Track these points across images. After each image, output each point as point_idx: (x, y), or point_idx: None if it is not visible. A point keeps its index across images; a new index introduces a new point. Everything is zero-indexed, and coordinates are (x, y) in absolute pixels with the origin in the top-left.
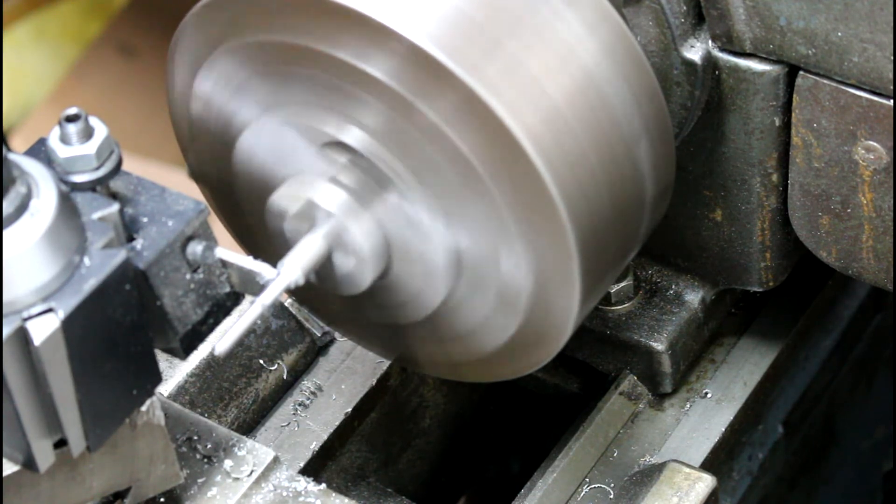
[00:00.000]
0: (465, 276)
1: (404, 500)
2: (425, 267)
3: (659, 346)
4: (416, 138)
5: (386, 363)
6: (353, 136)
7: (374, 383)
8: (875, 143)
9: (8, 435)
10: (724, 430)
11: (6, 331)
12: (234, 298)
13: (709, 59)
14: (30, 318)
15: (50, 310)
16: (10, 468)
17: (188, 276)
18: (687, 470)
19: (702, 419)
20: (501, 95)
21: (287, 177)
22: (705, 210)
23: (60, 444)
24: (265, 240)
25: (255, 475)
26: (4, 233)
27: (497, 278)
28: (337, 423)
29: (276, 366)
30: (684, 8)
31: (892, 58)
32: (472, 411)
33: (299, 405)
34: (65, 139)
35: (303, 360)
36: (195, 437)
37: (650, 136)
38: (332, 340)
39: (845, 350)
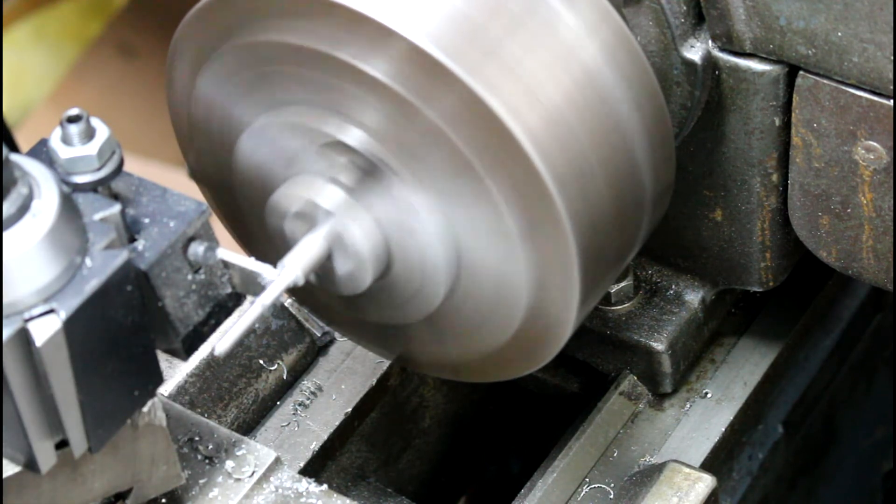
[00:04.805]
0: (464, 275)
1: (404, 500)
2: (425, 267)
3: (659, 346)
4: (415, 138)
5: (386, 363)
6: (353, 136)
7: (374, 383)
8: (875, 143)
9: (9, 436)
10: (724, 430)
11: (8, 332)
12: (236, 299)
13: (709, 59)
14: (31, 318)
15: (51, 311)
16: (11, 469)
17: (190, 277)
18: (687, 470)
19: (702, 419)
20: (501, 95)
21: (287, 177)
22: (705, 210)
23: (62, 444)
24: (265, 240)
25: (256, 476)
26: (6, 234)
27: (497, 278)
28: (337, 423)
29: (276, 366)
30: (684, 8)
31: (892, 58)
32: (472, 411)
33: (299, 405)
34: (66, 140)
35: (303, 360)
36: (196, 438)
37: (650, 136)
38: (332, 340)
39: (845, 350)
